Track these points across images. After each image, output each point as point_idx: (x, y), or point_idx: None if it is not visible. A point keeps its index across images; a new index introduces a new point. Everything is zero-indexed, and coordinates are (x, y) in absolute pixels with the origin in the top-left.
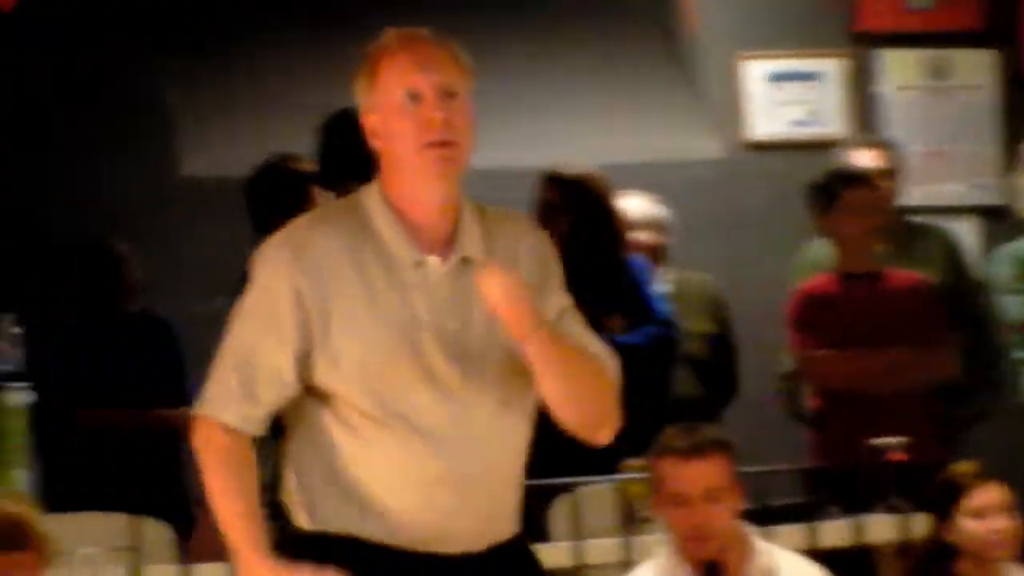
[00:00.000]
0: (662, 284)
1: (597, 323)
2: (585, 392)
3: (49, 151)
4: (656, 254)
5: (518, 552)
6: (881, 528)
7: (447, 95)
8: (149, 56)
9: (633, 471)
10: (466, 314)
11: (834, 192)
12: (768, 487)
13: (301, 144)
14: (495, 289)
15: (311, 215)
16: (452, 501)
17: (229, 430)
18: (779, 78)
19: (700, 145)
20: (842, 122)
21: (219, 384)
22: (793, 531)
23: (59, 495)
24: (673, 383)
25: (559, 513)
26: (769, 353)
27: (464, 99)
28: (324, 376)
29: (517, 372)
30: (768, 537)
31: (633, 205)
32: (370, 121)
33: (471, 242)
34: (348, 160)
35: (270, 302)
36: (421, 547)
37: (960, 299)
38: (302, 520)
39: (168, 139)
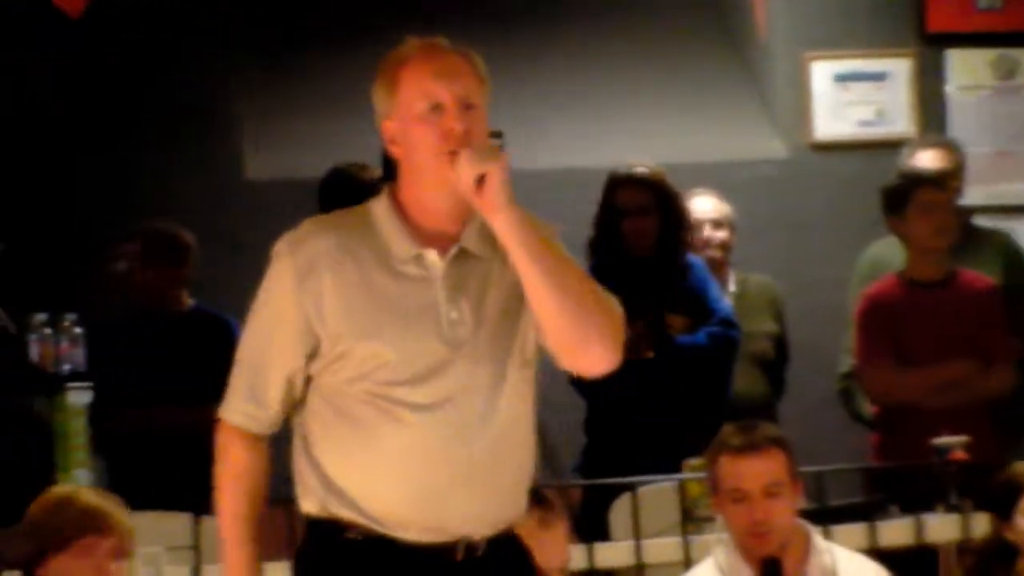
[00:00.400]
0: (729, 283)
1: (661, 322)
2: (569, 299)
3: (116, 152)
4: (723, 252)
5: (513, 554)
6: (942, 527)
7: (466, 106)
8: (216, 63)
9: (694, 470)
10: (464, 304)
11: (906, 194)
12: (828, 487)
13: (363, 148)
14: (466, 166)
15: (315, 219)
16: (450, 483)
17: (244, 433)
18: (846, 78)
19: (765, 145)
20: (909, 122)
21: (233, 389)
22: (853, 530)
23: (121, 494)
24: (733, 382)
25: (620, 512)
26: (830, 353)
27: (481, 109)
28: (326, 368)
29: (514, 361)
30: (828, 536)
31: (701, 203)
32: (388, 128)
33: (471, 236)
34: None
35: (274, 307)
36: (422, 534)
37: (1021, 302)
38: (309, 506)
39: (232, 143)
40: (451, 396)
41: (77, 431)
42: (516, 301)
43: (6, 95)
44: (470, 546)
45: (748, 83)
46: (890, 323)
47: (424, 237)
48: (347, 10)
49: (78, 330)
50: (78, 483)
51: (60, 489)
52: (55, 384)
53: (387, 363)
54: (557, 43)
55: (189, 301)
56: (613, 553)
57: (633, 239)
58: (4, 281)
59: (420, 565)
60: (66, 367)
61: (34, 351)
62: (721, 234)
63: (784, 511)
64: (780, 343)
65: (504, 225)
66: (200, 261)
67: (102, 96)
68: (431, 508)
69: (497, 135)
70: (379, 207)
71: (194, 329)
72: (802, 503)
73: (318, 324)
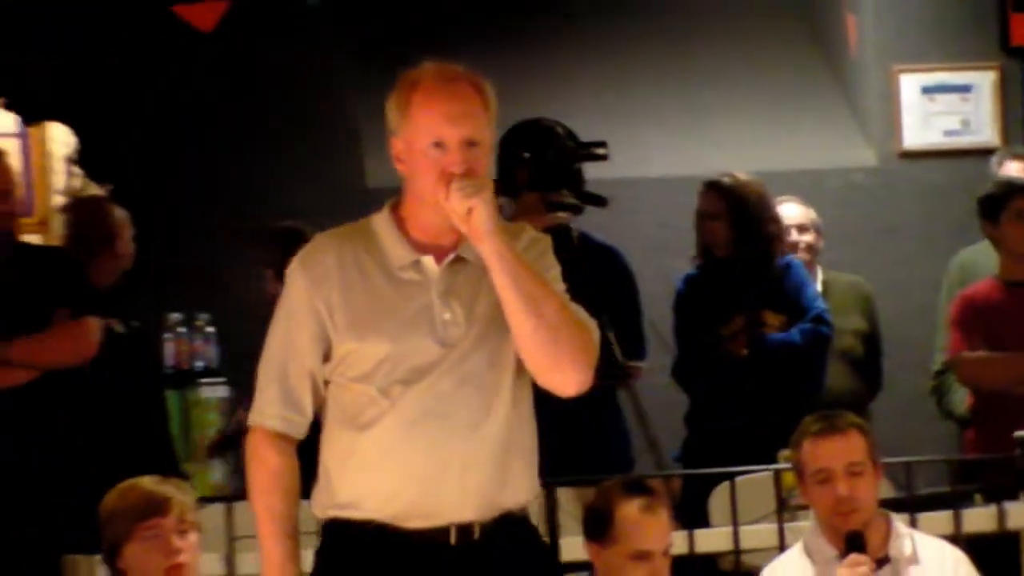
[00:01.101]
0: (816, 283)
1: (757, 320)
2: (543, 324)
3: (246, 161)
4: (809, 254)
5: (521, 534)
6: (1022, 515)
7: (470, 144)
8: (342, 77)
9: (788, 461)
10: (457, 306)
11: (1001, 201)
12: (917, 478)
13: None
14: (456, 198)
15: (323, 234)
16: (444, 474)
17: (276, 438)
18: (933, 90)
19: (856, 154)
20: (993, 132)
21: (266, 397)
22: (938, 517)
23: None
24: (826, 377)
25: (719, 500)
26: (920, 351)
27: (486, 143)
28: (334, 370)
29: (504, 362)
30: (915, 523)
31: (787, 210)
32: (396, 145)
33: (469, 246)
34: (524, 170)
35: (293, 317)
36: (417, 522)
37: None
38: (318, 509)
39: (355, 153)
40: (446, 393)
41: (209, 424)
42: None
43: (134, 102)
44: (463, 529)
45: (840, 95)
46: (985, 320)
47: (422, 248)
48: (470, 28)
49: (210, 329)
50: (211, 473)
51: (121, 484)
52: (189, 380)
53: (385, 361)
54: (659, 59)
55: None
56: (712, 539)
57: (709, 241)
58: (141, 284)
59: (416, 550)
60: (199, 364)
61: (169, 349)
62: (806, 237)
63: (867, 489)
64: (869, 340)
65: (488, 252)
66: None
67: (233, 106)
68: (425, 497)
69: (600, 144)
70: (380, 220)
71: None
72: (886, 490)
73: (330, 328)
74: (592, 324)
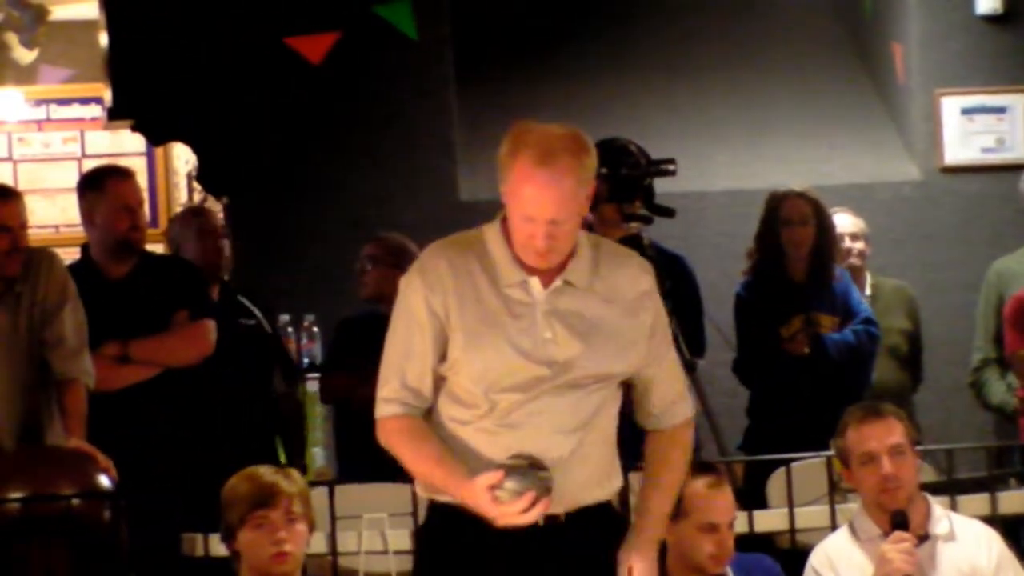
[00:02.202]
0: (866, 288)
1: (814, 321)
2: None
3: (348, 173)
4: (861, 260)
5: (601, 517)
6: None
7: (554, 223)
8: (438, 95)
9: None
10: (560, 327)
11: None
12: (957, 463)
13: None
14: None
15: (440, 243)
16: None
17: (400, 418)
18: (971, 111)
19: (902, 169)
20: None
21: (381, 391)
22: (977, 500)
23: (352, 468)
24: (873, 372)
25: (775, 484)
26: (958, 347)
27: (572, 217)
28: (448, 370)
29: (603, 378)
30: (955, 506)
31: (840, 220)
32: (503, 190)
33: (576, 269)
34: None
35: (411, 319)
36: None
37: None
38: (421, 490)
39: (450, 168)
40: (541, 409)
41: (316, 415)
42: (611, 331)
43: (252, 125)
44: (551, 517)
45: (887, 116)
46: None
47: (529, 267)
48: (557, 46)
49: (316, 329)
50: (316, 459)
51: (243, 471)
52: (298, 375)
53: (489, 371)
54: (722, 84)
55: None
56: (770, 519)
57: (791, 248)
58: (258, 288)
59: (505, 533)
60: (306, 360)
61: None
62: (858, 245)
63: (909, 469)
64: (913, 338)
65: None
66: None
67: (347, 131)
68: None
69: (670, 161)
70: (492, 234)
71: None
72: (928, 474)
73: (448, 329)
74: (691, 408)
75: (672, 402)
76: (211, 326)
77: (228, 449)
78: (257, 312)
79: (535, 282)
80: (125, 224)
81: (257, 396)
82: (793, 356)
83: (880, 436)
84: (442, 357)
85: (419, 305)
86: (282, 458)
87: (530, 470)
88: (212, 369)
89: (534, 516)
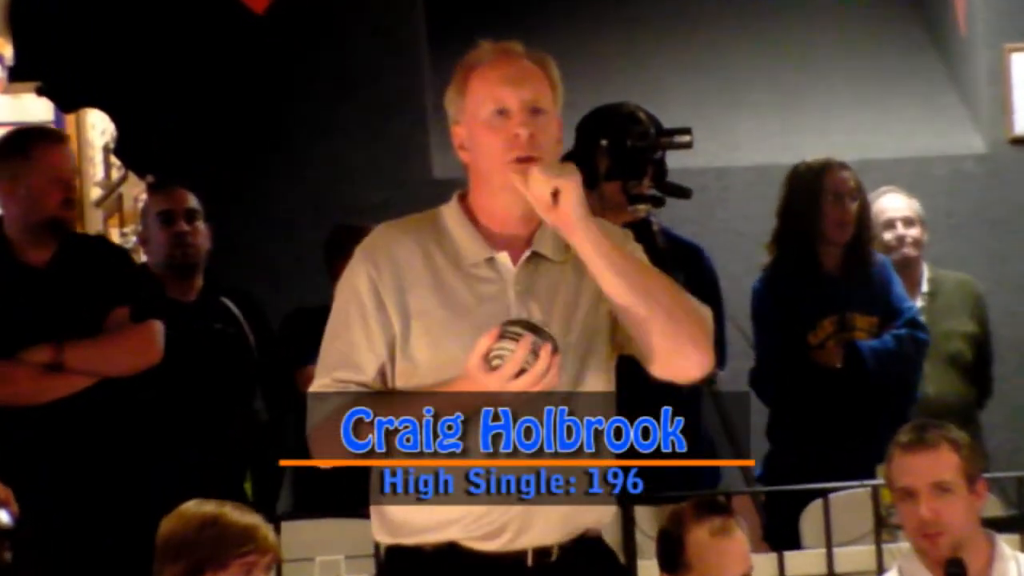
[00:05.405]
0: (922, 283)
1: (847, 325)
2: (658, 308)
3: (310, 150)
4: (917, 250)
5: (597, 557)
6: None
7: (534, 111)
8: (408, 51)
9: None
10: (534, 306)
11: None
12: None
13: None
14: (539, 181)
15: (388, 224)
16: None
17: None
18: None
19: (964, 140)
20: None
21: (315, 386)
22: None
23: (303, 500)
24: (927, 385)
25: (811, 519)
26: None
27: (551, 115)
28: (400, 373)
29: (589, 362)
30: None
31: (892, 201)
32: (458, 133)
33: (545, 240)
34: (602, 159)
35: (352, 301)
36: (493, 545)
37: None
38: (380, 535)
39: (422, 139)
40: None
41: None
42: (589, 306)
43: (184, 89)
44: (541, 552)
45: (946, 76)
46: None
47: (495, 241)
48: (540, 6)
49: None
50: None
51: (199, 507)
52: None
53: (452, 360)
54: (748, 38)
55: None
56: (804, 561)
57: (835, 229)
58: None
59: (494, 573)
60: None
61: None
62: (914, 231)
63: (956, 511)
64: (980, 343)
65: (583, 241)
66: None
67: (300, 95)
68: (500, 520)
69: (684, 131)
70: (449, 212)
71: None
72: (994, 507)
73: (393, 316)
74: (704, 307)
75: None
76: (158, 328)
77: (182, 480)
78: (242, 318)
79: (504, 257)
80: (57, 198)
81: (228, 419)
82: (823, 369)
83: (922, 470)
84: (391, 357)
85: (364, 287)
86: (249, 494)
87: (527, 332)
88: (168, 384)
89: (540, 374)
